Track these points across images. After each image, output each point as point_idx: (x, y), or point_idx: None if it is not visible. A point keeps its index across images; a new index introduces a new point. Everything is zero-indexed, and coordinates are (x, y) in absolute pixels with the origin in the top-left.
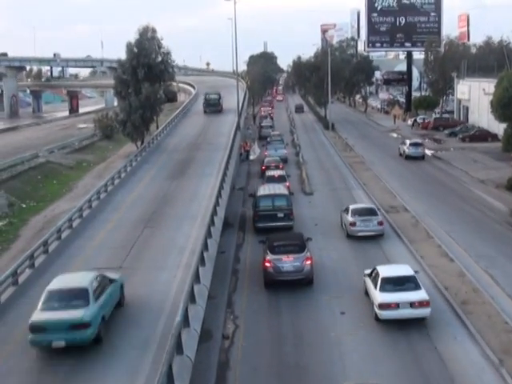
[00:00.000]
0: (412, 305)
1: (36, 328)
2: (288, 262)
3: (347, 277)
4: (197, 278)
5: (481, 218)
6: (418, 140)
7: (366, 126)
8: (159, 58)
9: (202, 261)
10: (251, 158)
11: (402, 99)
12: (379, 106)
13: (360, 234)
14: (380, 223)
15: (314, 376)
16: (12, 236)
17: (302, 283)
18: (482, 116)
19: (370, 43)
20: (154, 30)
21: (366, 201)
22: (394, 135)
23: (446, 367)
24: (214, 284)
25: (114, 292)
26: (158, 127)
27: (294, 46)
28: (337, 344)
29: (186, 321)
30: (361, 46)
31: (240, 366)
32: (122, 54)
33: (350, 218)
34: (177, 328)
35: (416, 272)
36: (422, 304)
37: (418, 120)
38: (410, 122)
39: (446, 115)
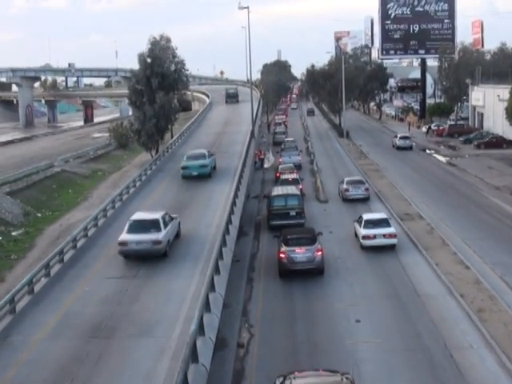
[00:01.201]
0: (384, 236)
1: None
2: (301, 254)
3: (363, 283)
4: (212, 287)
5: (496, 224)
6: (407, 134)
7: (380, 134)
8: (173, 67)
9: (216, 269)
10: (266, 166)
11: (417, 106)
12: (394, 114)
13: (351, 197)
14: (366, 189)
15: None
16: (28, 245)
17: (313, 273)
18: (497, 122)
19: (384, 50)
20: (168, 40)
21: (381, 209)
22: None
23: (462, 375)
24: (228, 293)
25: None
26: (172, 136)
27: (308, 54)
28: (353, 352)
29: (201, 329)
30: (375, 54)
31: (255, 374)
32: (136, 64)
33: (344, 185)
34: (192, 336)
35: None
36: (391, 235)
37: (432, 127)
38: (424, 129)
39: (461, 122)
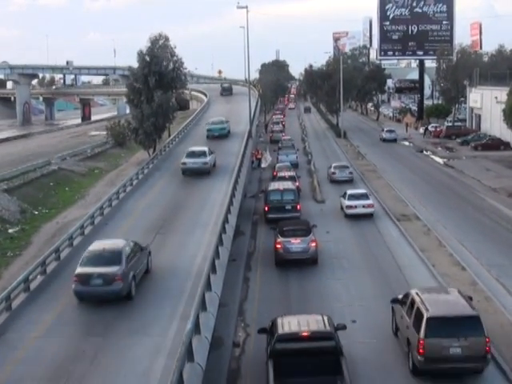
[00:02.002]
0: (363, 206)
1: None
2: (296, 244)
3: (359, 285)
4: (208, 286)
5: (493, 226)
6: (392, 128)
7: (377, 134)
8: (171, 66)
9: (213, 268)
10: (263, 165)
11: (414, 107)
12: (391, 114)
13: (337, 179)
14: (350, 173)
15: None
16: (24, 242)
17: (307, 262)
18: (495, 124)
19: (382, 51)
20: (166, 38)
21: (378, 209)
22: (406, 143)
23: (460, 378)
24: (225, 292)
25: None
26: (170, 135)
27: (306, 54)
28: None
29: (197, 328)
30: (373, 55)
31: (250, 373)
32: (134, 62)
33: (332, 169)
34: (188, 335)
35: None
36: (369, 206)
37: (429, 128)
38: (421, 130)
39: (459, 123)
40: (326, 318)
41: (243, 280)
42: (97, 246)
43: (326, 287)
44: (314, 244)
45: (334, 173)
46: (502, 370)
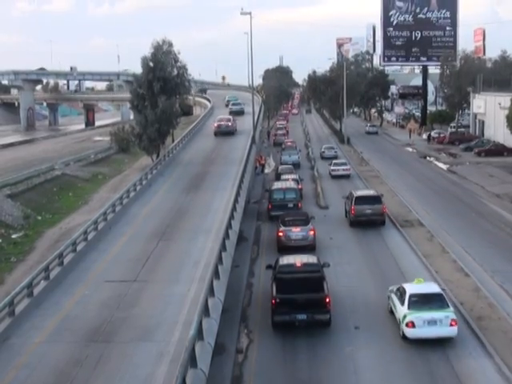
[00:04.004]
0: (343, 170)
1: None
2: (296, 232)
3: (362, 291)
4: (211, 292)
5: (496, 232)
6: (375, 123)
7: (381, 140)
8: (175, 72)
9: (216, 274)
10: (266, 171)
11: (418, 113)
12: (395, 120)
13: (326, 156)
14: (335, 151)
15: None
16: (27, 248)
17: (306, 249)
18: (498, 130)
19: (386, 57)
20: (170, 44)
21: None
22: (410, 149)
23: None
24: (228, 298)
25: None
26: (173, 141)
27: (310, 60)
28: (350, 359)
29: (199, 334)
30: (376, 60)
31: (254, 380)
32: (138, 68)
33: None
34: (191, 341)
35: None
36: (346, 170)
37: (432, 134)
38: (425, 136)
39: (462, 129)
40: (315, 257)
41: (246, 286)
42: None
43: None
44: (312, 232)
45: (323, 152)
46: (506, 378)
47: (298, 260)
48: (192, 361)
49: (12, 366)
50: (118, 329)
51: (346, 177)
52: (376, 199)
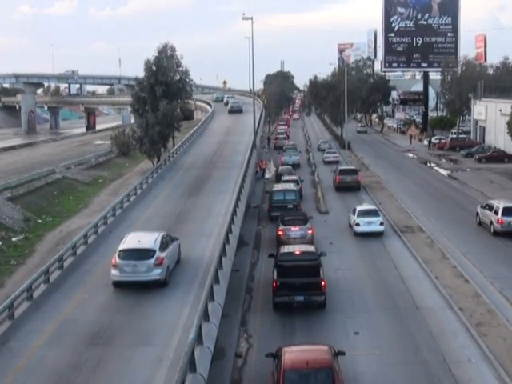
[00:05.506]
0: (333, 157)
1: None
2: (295, 231)
3: (362, 296)
4: (211, 296)
5: (496, 239)
6: (364, 124)
7: (382, 146)
8: (177, 77)
9: (216, 279)
10: (267, 176)
11: (419, 119)
12: (395, 126)
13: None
14: (329, 145)
15: None
16: (27, 251)
17: None
18: (499, 136)
19: (387, 63)
20: (173, 48)
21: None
22: (410, 155)
23: None
24: (227, 302)
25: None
26: (174, 145)
27: (311, 65)
28: (352, 363)
29: (199, 338)
30: (377, 66)
31: None
32: (139, 72)
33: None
34: (190, 346)
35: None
36: (335, 157)
37: (433, 140)
38: (425, 141)
39: (463, 136)
40: (312, 247)
41: (246, 290)
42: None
43: (329, 299)
44: (310, 231)
45: (319, 145)
46: (504, 383)
47: (297, 248)
48: (191, 365)
49: (11, 369)
50: (117, 332)
51: (336, 162)
52: (354, 171)
